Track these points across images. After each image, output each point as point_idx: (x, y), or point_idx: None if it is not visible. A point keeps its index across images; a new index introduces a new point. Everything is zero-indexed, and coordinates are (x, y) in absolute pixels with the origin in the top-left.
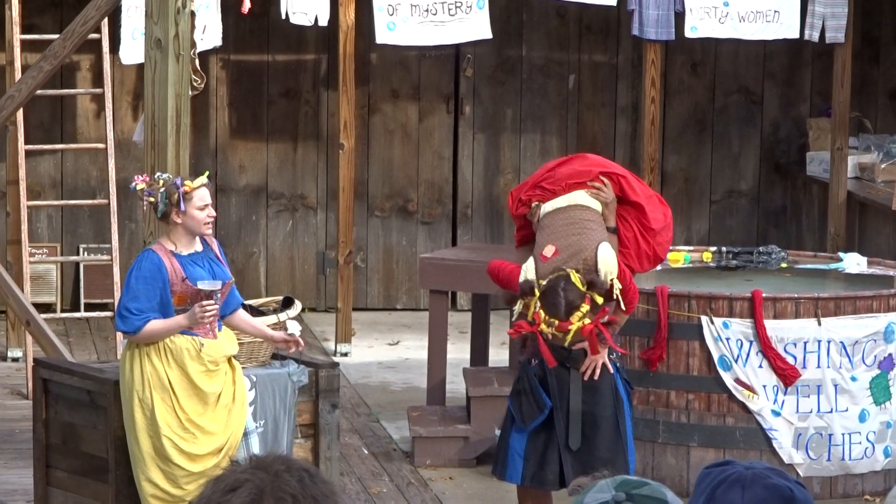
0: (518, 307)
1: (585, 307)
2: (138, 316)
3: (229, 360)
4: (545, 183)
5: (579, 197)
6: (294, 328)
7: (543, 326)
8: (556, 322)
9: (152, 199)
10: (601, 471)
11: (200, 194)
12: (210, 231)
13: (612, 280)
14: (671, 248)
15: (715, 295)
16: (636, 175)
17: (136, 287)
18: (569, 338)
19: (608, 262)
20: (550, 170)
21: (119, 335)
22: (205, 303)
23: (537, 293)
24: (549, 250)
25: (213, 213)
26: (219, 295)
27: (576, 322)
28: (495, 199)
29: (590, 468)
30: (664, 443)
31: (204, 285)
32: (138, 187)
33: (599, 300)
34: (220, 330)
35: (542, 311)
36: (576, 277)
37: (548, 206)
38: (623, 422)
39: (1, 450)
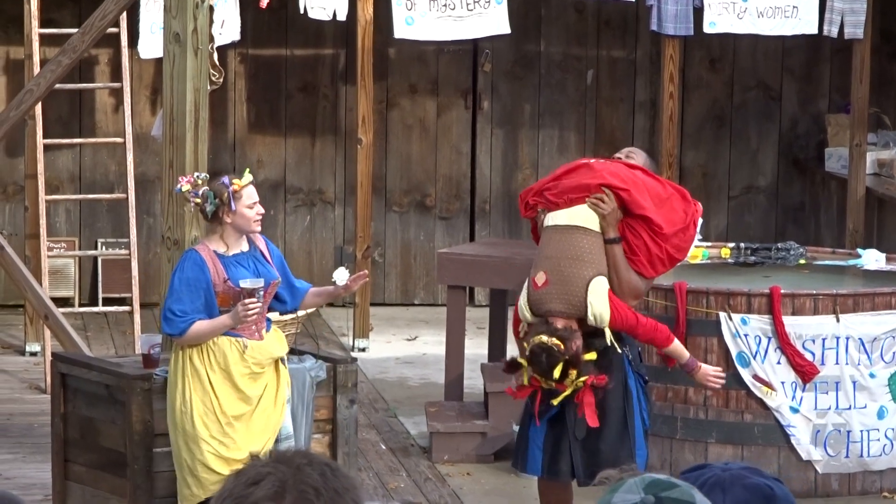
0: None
1: (572, 374)
2: (182, 318)
3: (276, 362)
4: (549, 193)
5: (579, 214)
6: (342, 277)
7: (544, 385)
8: (553, 383)
9: (198, 200)
10: (629, 465)
11: (249, 192)
12: (259, 228)
13: (603, 326)
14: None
15: (733, 291)
16: (652, 173)
17: (180, 289)
18: (564, 395)
19: (598, 304)
20: (557, 177)
21: (137, 330)
22: (247, 301)
23: (525, 363)
24: (540, 278)
25: (262, 211)
26: (262, 293)
27: (570, 385)
28: (513, 195)
29: (595, 460)
30: (682, 439)
31: (246, 283)
32: (183, 188)
33: (592, 356)
34: (267, 331)
35: (536, 375)
36: (553, 341)
37: (549, 220)
38: (631, 416)
39: (19, 444)
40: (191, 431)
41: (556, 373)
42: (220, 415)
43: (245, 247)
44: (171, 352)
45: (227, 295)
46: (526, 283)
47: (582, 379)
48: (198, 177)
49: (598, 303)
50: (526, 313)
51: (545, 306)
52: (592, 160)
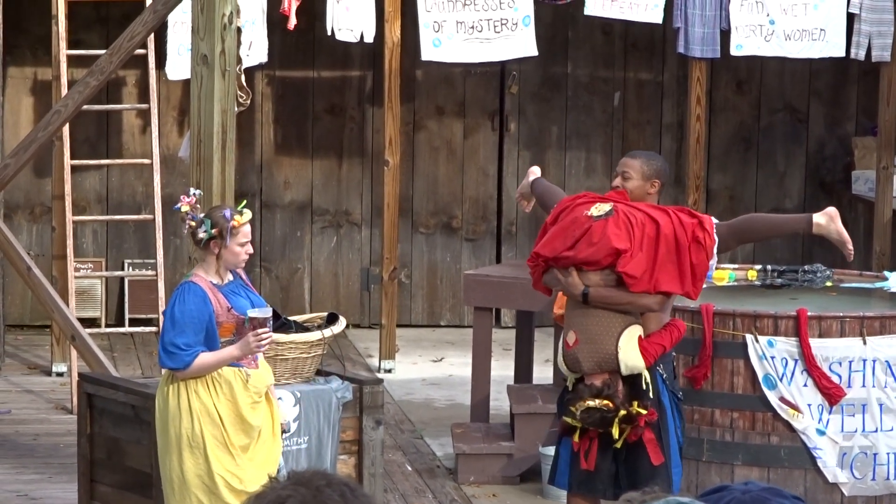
0: (570, 381)
1: (625, 427)
2: (187, 351)
3: (267, 391)
4: (562, 264)
5: (592, 279)
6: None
7: (600, 429)
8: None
9: (193, 224)
10: (651, 486)
11: (245, 230)
12: (243, 266)
13: (641, 373)
14: (717, 265)
15: (760, 313)
16: (648, 207)
17: (183, 321)
18: (620, 442)
19: (630, 360)
20: (568, 248)
21: None
22: (260, 331)
23: (579, 424)
24: (570, 338)
25: (251, 250)
26: (271, 322)
27: (627, 427)
28: (540, 217)
29: (633, 477)
30: (708, 461)
31: (255, 313)
32: (182, 209)
33: (643, 411)
34: (256, 358)
35: (591, 428)
36: (601, 403)
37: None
38: (666, 432)
39: (46, 464)
40: (203, 466)
41: (615, 432)
42: (230, 446)
43: (230, 276)
44: (166, 385)
45: (231, 324)
46: (560, 343)
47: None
48: (193, 192)
49: (630, 358)
50: (564, 371)
51: (578, 365)
52: (591, 217)
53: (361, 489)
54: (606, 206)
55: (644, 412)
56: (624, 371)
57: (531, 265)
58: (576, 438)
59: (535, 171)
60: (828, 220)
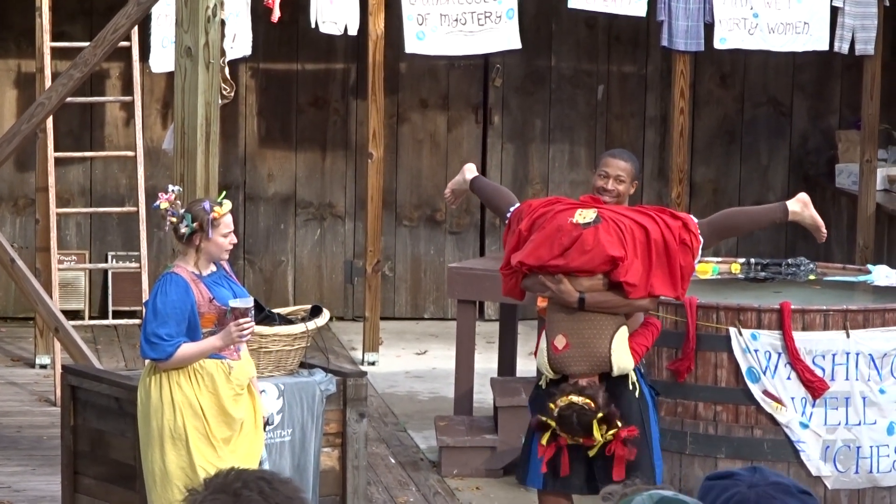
0: (545, 381)
1: (602, 428)
2: (169, 341)
3: (249, 382)
4: (553, 270)
5: (583, 284)
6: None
7: (570, 441)
8: (581, 439)
9: (174, 220)
10: (633, 479)
11: (227, 220)
12: (227, 256)
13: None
14: (701, 259)
15: (743, 306)
16: (637, 211)
17: (165, 311)
18: (594, 451)
19: (622, 361)
20: (557, 256)
21: None
22: (241, 321)
23: (553, 424)
24: (560, 341)
25: (235, 240)
26: (252, 312)
27: (599, 438)
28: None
29: (612, 473)
30: (692, 454)
31: (236, 303)
32: (162, 206)
33: (619, 423)
34: (239, 350)
35: (565, 434)
36: (583, 401)
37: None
38: (648, 425)
39: (29, 456)
40: (185, 458)
41: (596, 433)
42: (212, 439)
43: (214, 267)
44: (148, 376)
45: (213, 315)
46: (544, 345)
47: (612, 432)
48: (173, 189)
49: (622, 359)
50: (547, 373)
51: (569, 369)
52: (579, 225)
53: (279, 477)
54: (592, 213)
55: (621, 426)
56: (615, 372)
57: (506, 273)
58: (543, 441)
59: (471, 169)
60: (802, 206)
